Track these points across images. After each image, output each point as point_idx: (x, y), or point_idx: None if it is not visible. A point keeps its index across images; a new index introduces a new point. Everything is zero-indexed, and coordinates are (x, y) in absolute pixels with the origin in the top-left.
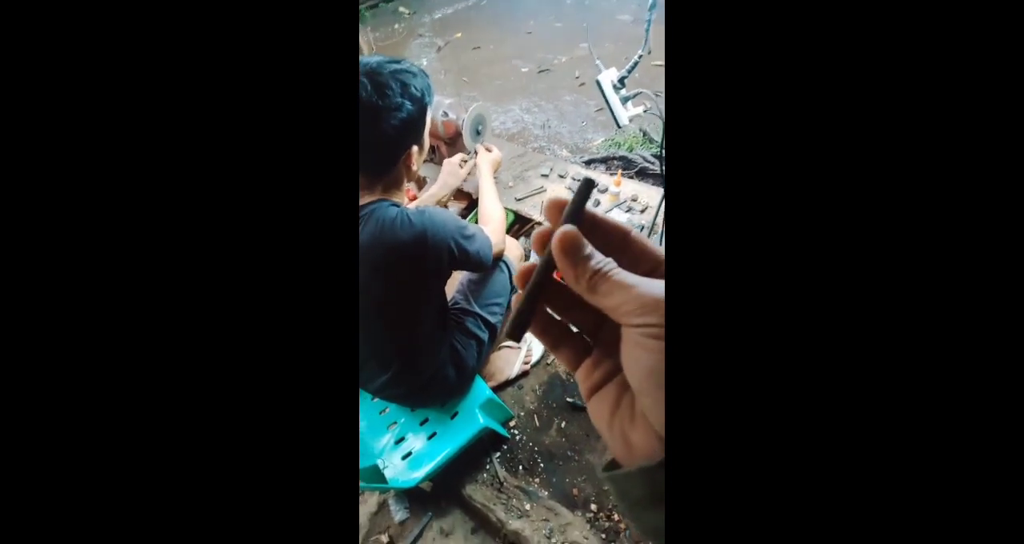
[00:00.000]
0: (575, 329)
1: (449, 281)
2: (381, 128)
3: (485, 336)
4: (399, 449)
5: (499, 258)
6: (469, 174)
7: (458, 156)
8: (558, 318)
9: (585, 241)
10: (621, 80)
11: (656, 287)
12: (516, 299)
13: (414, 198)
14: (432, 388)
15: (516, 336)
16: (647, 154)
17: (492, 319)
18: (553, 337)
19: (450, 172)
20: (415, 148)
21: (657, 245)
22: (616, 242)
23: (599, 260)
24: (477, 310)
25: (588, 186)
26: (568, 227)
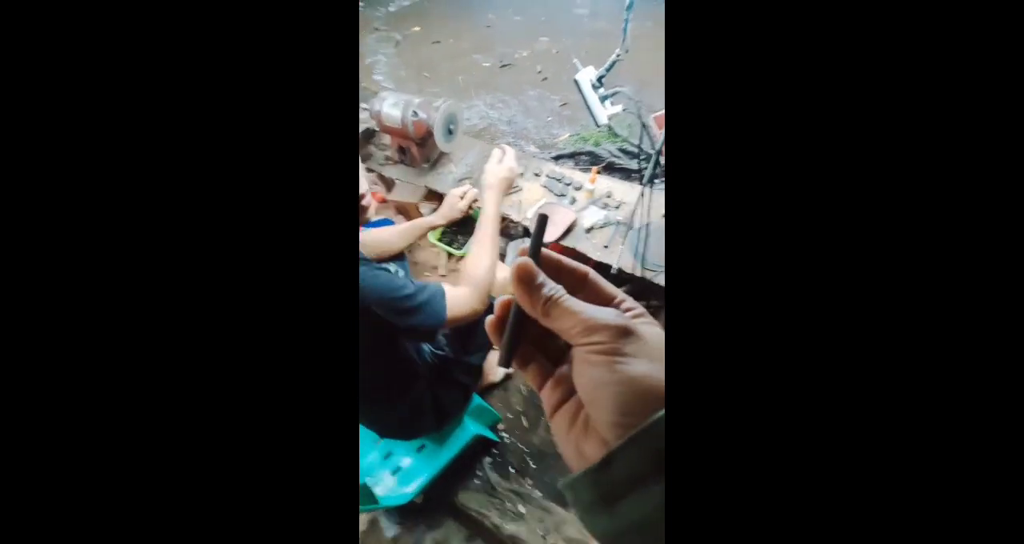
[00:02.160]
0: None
1: None
2: None
3: (471, 381)
4: (388, 464)
5: (474, 317)
6: (471, 206)
7: (459, 190)
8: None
9: (538, 271)
10: (599, 79)
11: (599, 311)
12: (493, 330)
13: (382, 200)
14: (411, 430)
15: (507, 365)
16: (613, 148)
17: (478, 362)
18: (522, 359)
19: (451, 205)
20: None
21: (611, 284)
22: (577, 281)
23: (550, 288)
24: (462, 358)
25: (543, 222)
26: (522, 260)
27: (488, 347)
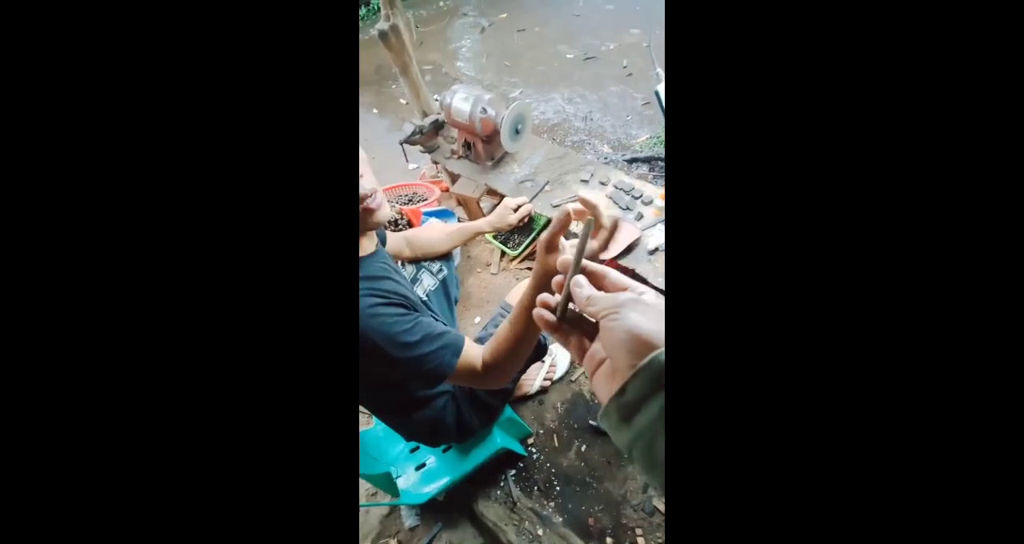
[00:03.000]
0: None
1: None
2: None
3: (498, 402)
4: (414, 459)
5: (491, 382)
6: (521, 220)
7: (515, 201)
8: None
9: (585, 282)
10: None
11: (613, 297)
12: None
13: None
14: (433, 442)
15: (562, 317)
16: None
17: (509, 385)
18: (564, 336)
19: (502, 215)
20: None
21: (625, 277)
22: (598, 280)
23: (590, 292)
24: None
25: (587, 230)
26: (577, 277)
27: (522, 370)
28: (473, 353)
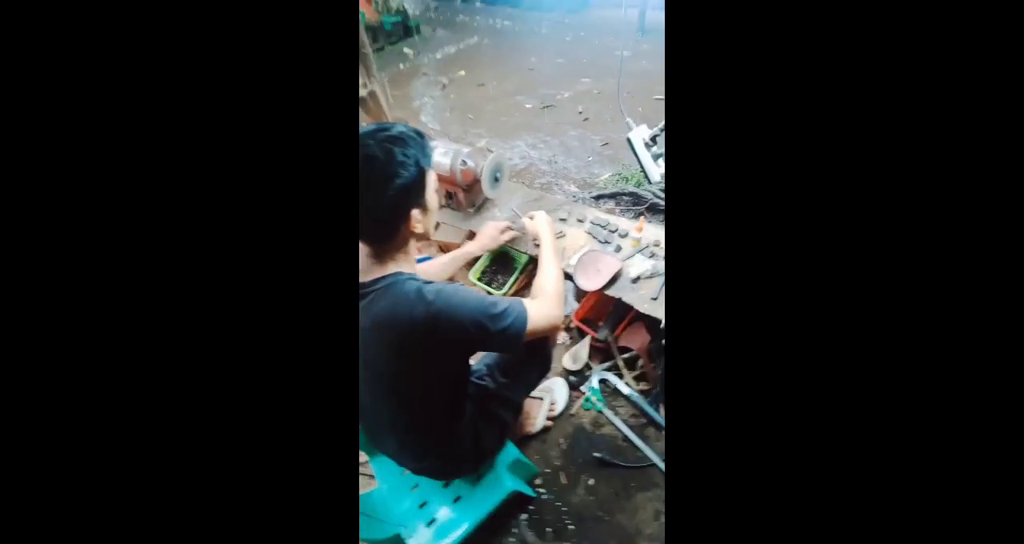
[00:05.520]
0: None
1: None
2: (375, 199)
3: (509, 417)
4: (422, 514)
5: (544, 334)
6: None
7: (502, 223)
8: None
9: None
10: (652, 138)
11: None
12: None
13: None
14: (451, 469)
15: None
16: (656, 189)
17: (518, 399)
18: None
19: (490, 236)
20: (416, 211)
21: None
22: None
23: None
24: (504, 393)
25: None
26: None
27: (532, 384)
28: (532, 304)
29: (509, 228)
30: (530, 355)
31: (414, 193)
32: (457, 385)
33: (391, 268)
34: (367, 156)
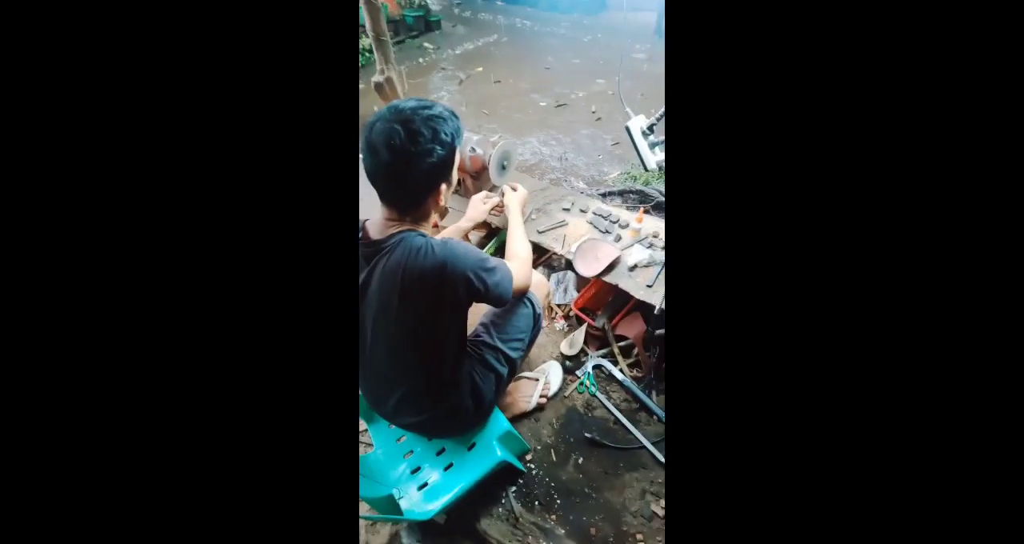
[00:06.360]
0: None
1: (474, 314)
2: (412, 171)
3: (504, 371)
4: (415, 479)
5: (522, 293)
6: (494, 210)
7: (483, 193)
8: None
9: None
10: (650, 127)
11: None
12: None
13: (435, 225)
14: (451, 418)
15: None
16: (663, 188)
17: (513, 354)
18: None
19: (474, 207)
20: (443, 186)
21: None
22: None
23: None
24: (498, 345)
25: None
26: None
27: (527, 344)
28: (511, 264)
29: (490, 196)
30: (517, 312)
31: (447, 168)
32: (460, 332)
33: (406, 227)
34: (412, 131)
